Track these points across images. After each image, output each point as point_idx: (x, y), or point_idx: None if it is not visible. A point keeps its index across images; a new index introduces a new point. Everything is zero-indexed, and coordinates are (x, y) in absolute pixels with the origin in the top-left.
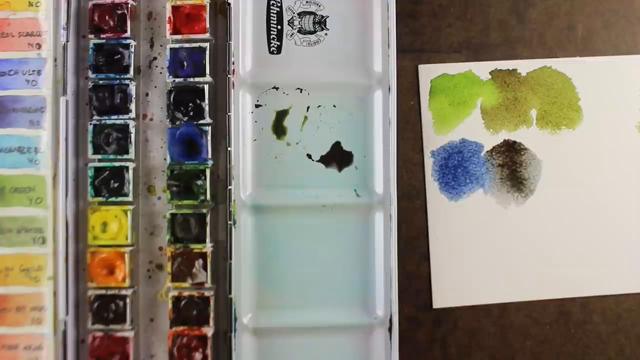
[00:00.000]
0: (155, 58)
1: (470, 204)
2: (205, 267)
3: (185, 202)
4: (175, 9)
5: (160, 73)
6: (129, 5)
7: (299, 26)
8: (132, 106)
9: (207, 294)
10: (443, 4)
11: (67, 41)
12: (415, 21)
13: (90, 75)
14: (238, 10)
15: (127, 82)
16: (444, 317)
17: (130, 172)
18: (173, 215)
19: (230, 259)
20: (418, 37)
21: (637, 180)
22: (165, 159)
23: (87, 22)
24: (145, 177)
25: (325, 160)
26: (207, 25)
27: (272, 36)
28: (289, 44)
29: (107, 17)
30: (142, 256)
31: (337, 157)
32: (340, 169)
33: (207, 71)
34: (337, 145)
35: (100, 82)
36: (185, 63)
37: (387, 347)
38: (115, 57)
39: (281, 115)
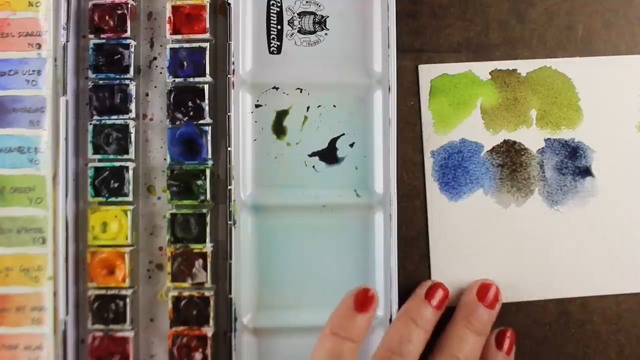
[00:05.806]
0: (155, 58)
1: (470, 204)
2: (205, 267)
3: (185, 202)
4: (175, 9)
5: (160, 73)
6: (129, 5)
7: (299, 26)
8: (132, 106)
9: (207, 294)
10: (443, 4)
11: (67, 41)
12: (415, 21)
13: (90, 75)
14: (238, 10)
15: (127, 82)
16: (444, 316)
17: (130, 172)
18: (173, 215)
19: (230, 259)
20: (418, 37)
21: (637, 180)
22: (165, 159)
23: (87, 22)
24: (145, 177)
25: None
26: (207, 25)
27: (272, 36)
28: (289, 44)
29: (107, 17)
30: (142, 256)
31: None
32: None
33: (207, 71)
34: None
35: (100, 82)
36: (185, 63)
37: None
38: (115, 57)
39: (281, 115)
